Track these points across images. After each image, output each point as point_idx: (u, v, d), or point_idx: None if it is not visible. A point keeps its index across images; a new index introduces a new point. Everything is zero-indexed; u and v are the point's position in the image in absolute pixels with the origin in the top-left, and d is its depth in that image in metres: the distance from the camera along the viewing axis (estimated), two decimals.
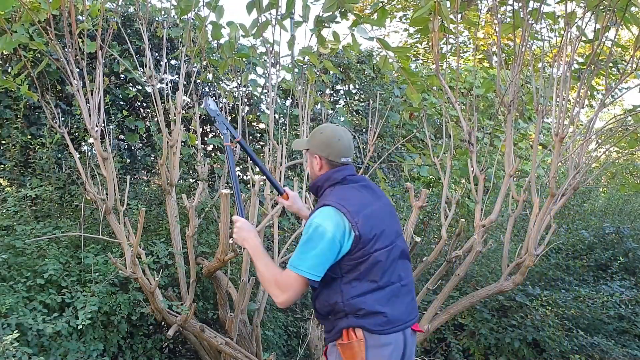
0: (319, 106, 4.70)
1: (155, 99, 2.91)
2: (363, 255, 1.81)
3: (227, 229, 2.40)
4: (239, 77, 3.75)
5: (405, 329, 1.89)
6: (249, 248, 1.93)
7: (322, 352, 2.07)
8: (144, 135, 4.22)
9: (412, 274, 2.04)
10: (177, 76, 4.10)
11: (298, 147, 2.12)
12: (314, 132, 2.02)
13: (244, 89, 4.22)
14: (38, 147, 3.38)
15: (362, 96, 5.54)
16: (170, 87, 3.30)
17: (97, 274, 2.83)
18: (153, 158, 4.14)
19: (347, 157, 1.97)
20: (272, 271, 1.85)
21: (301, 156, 3.72)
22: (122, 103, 4.08)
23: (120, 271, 2.62)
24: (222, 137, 2.36)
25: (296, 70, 3.66)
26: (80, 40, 2.65)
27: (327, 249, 1.77)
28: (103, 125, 2.71)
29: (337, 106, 5.42)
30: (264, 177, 3.10)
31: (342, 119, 5.23)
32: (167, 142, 2.95)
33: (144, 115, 4.27)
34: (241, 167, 4.55)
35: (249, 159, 3.44)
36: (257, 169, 2.68)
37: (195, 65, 3.32)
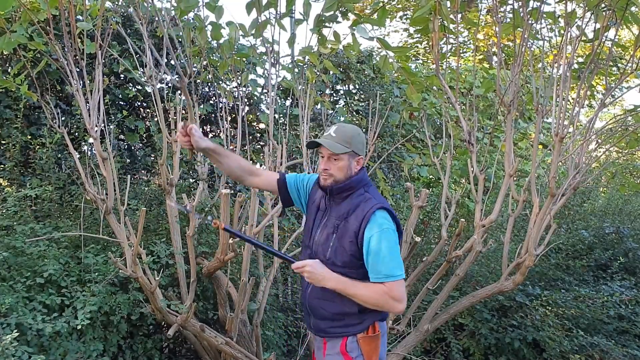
0: (319, 106, 4.69)
1: (155, 99, 2.91)
2: None
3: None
4: (239, 77, 3.75)
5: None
6: (334, 286, 1.89)
7: (322, 348, 2.03)
8: (144, 135, 4.22)
9: None
10: (177, 76, 4.10)
11: (338, 149, 1.89)
12: (352, 133, 1.92)
13: (244, 89, 4.22)
14: (38, 147, 3.38)
15: (362, 96, 5.54)
16: (170, 87, 3.30)
17: (96, 273, 2.83)
18: (153, 158, 4.13)
19: None
20: (375, 288, 1.83)
21: (300, 156, 3.71)
22: (122, 103, 4.08)
23: (120, 270, 2.62)
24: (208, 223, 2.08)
25: (296, 70, 3.66)
26: (79, 40, 2.65)
27: (399, 249, 1.93)
28: (103, 125, 2.71)
29: (337, 106, 5.41)
30: None
31: (342, 119, 5.22)
32: (167, 142, 2.95)
33: (144, 115, 4.26)
34: None
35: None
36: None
37: (195, 65, 3.31)
